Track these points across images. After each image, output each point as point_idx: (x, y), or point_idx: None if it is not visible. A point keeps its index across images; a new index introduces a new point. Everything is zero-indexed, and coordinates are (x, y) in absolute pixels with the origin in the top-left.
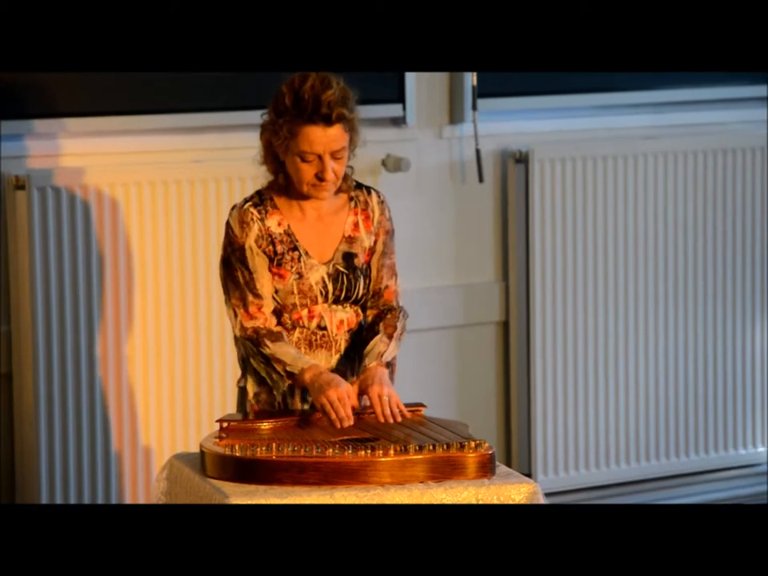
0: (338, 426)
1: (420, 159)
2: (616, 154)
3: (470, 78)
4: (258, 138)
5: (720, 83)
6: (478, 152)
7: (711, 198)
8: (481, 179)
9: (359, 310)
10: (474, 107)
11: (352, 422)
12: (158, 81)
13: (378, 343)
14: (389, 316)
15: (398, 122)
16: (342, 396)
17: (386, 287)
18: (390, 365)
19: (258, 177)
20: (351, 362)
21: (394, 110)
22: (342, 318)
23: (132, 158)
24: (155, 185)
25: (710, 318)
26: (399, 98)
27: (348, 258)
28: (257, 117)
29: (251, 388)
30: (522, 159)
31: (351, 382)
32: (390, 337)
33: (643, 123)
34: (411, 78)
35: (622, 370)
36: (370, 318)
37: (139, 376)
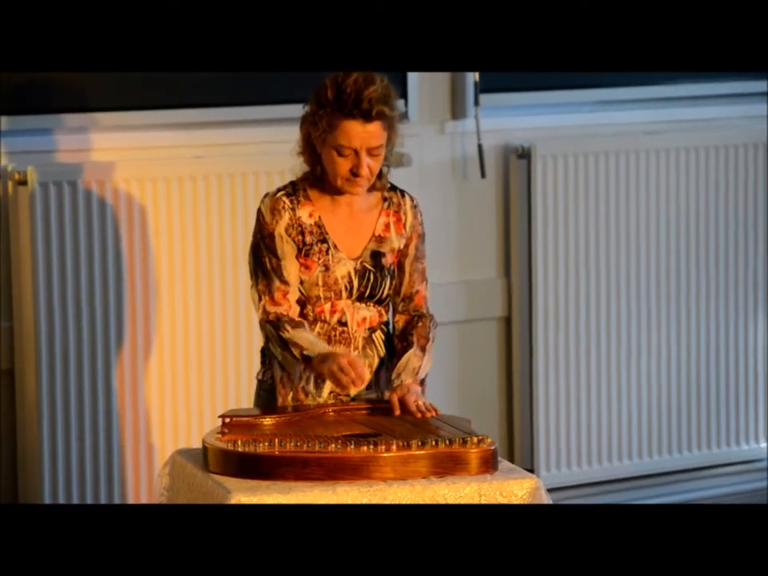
0: (351, 387)
1: (422, 155)
2: (618, 150)
3: (472, 74)
4: (298, 128)
5: (721, 78)
6: (480, 147)
7: (713, 194)
8: (483, 175)
9: (382, 310)
10: (477, 103)
11: (364, 382)
12: (158, 77)
13: (411, 357)
14: (420, 325)
15: (401, 117)
16: (352, 361)
17: (417, 291)
18: (423, 381)
19: (260, 172)
20: (369, 359)
21: None
22: (364, 316)
23: (133, 154)
24: (156, 181)
25: (711, 313)
26: (401, 93)
27: (376, 256)
28: (259, 112)
29: (276, 374)
30: (525, 155)
31: (368, 380)
32: (424, 349)
33: (645, 119)
34: (413, 74)
35: (624, 365)
36: (400, 324)
37: (141, 372)
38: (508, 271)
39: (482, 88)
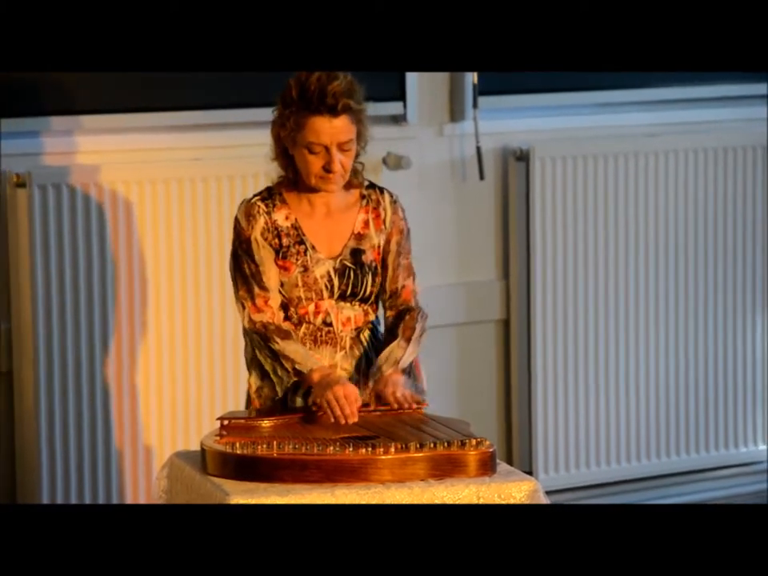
0: (342, 422)
1: (421, 157)
2: (617, 152)
3: (471, 76)
4: (270, 133)
5: (721, 81)
6: (478, 150)
7: (712, 196)
8: (482, 177)
9: (369, 310)
10: (475, 105)
11: (356, 420)
12: (157, 78)
13: (395, 348)
14: (407, 318)
15: (399, 119)
16: (348, 394)
17: (404, 287)
18: (405, 371)
19: (259, 174)
20: (356, 359)
21: (394, 107)
22: (348, 316)
23: (133, 156)
24: (156, 183)
25: (710, 315)
26: (400, 95)
27: (356, 254)
28: (258, 114)
29: (254, 382)
30: (523, 157)
31: (356, 380)
32: (408, 340)
33: (644, 121)
34: (412, 76)
35: (622, 368)
36: (390, 320)
37: (140, 373)
38: (506, 274)
39: (481, 90)
